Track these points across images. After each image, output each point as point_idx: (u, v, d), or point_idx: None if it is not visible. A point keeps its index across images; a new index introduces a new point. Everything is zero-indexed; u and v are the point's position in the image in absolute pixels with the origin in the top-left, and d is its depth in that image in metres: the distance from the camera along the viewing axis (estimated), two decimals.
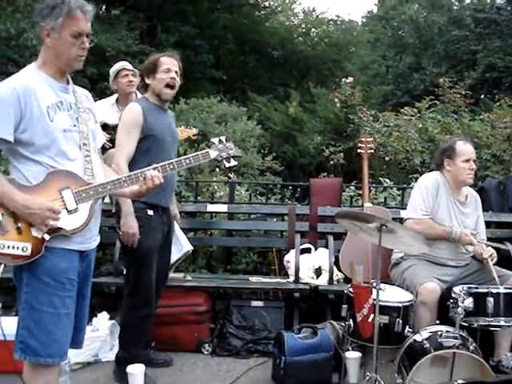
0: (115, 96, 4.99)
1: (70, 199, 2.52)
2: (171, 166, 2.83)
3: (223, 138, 3.05)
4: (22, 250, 2.43)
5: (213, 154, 2.99)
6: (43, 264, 2.48)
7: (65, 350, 2.60)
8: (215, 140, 3.04)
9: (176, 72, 3.75)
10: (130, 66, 4.90)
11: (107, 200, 4.37)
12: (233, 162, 3.05)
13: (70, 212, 2.52)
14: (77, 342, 2.79)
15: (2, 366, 3.13)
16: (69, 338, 2.60)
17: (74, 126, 2.60)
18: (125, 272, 3.98)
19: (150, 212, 3.70)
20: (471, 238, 3.97)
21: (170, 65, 3.73)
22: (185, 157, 2.90)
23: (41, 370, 2.55)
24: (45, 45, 2.57)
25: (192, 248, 4.57)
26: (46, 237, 2.46)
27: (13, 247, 2.43)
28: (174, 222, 4.19)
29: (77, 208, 2.53)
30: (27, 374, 2.58)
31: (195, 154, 2.95)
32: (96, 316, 4.35)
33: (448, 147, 4.16)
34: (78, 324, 2.70)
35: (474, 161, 4.11)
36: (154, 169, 2.76)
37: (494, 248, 4.08)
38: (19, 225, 2.45)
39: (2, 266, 2.48)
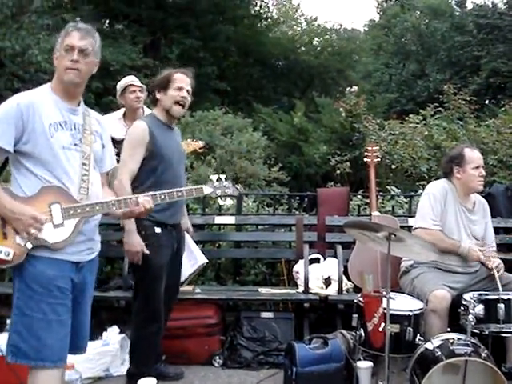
0: (122, 110, 4.99)
1: (57, 214, 2.61)
2: (162, 197, 2.92)
3: (223, 177, 3.18)
4: (5, 254, 2.52)
5: (207, 190, 3.11)
6: (30, 271, 2.57)
7: (59, 356, 2.62)
8: (214, 178, 3.17)
9: (187, 91, 3.76)
10: (137, 82, 4.90)
11: None
12: (228, 201, 3.21)
13: (55, 226, 2.60)
14: (79, 348, 2.85)
15: (7, 379, 3.17)
16: (63, 344, 2.63)
17: (75, 145, 2.71)
18: (133, 287, 3.98)
19: (158, 230, 3.70)
20: (479, 254, 3.96)
21: (182, 83, 3.74)
22: (177, 189, 3.01)
23: (37, 375, 2.58)
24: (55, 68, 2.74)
25: (207, 261, 4.51)
26: (29, 245, 2.55)
27: None
28: (187, 236, 4.19)
29: (62, 223, 2.61)
30: (28, 381, 2.62)
31: (189, 187, 3.10)
32: (106, 330, 4.34)
33: (456, 155, 4.15)
34: (77, 330, 2.74)
35: (482, 167, 4.11)
36: (145, 197, 2.83)
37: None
38: (5, 230, 2.55)
39: None
